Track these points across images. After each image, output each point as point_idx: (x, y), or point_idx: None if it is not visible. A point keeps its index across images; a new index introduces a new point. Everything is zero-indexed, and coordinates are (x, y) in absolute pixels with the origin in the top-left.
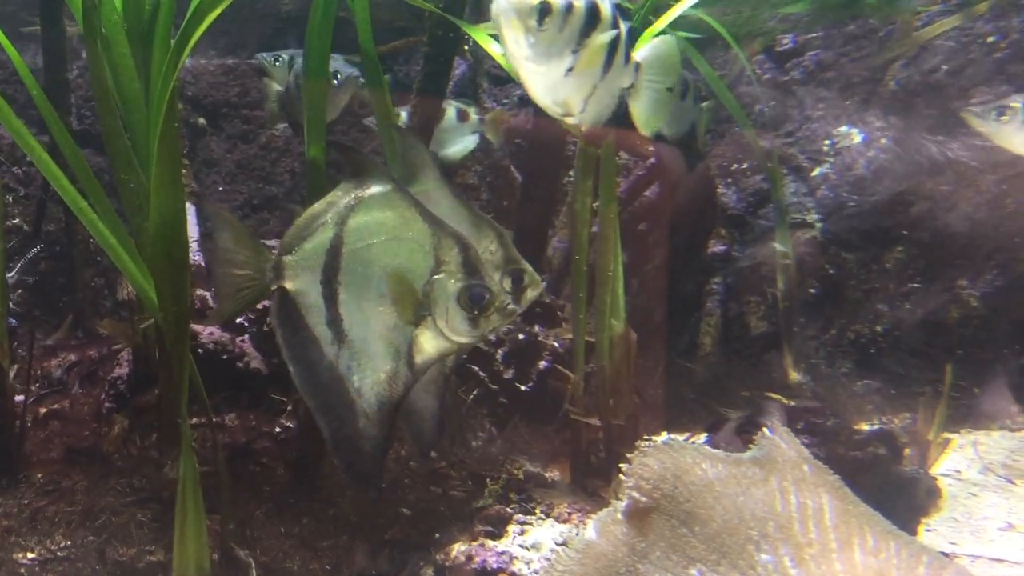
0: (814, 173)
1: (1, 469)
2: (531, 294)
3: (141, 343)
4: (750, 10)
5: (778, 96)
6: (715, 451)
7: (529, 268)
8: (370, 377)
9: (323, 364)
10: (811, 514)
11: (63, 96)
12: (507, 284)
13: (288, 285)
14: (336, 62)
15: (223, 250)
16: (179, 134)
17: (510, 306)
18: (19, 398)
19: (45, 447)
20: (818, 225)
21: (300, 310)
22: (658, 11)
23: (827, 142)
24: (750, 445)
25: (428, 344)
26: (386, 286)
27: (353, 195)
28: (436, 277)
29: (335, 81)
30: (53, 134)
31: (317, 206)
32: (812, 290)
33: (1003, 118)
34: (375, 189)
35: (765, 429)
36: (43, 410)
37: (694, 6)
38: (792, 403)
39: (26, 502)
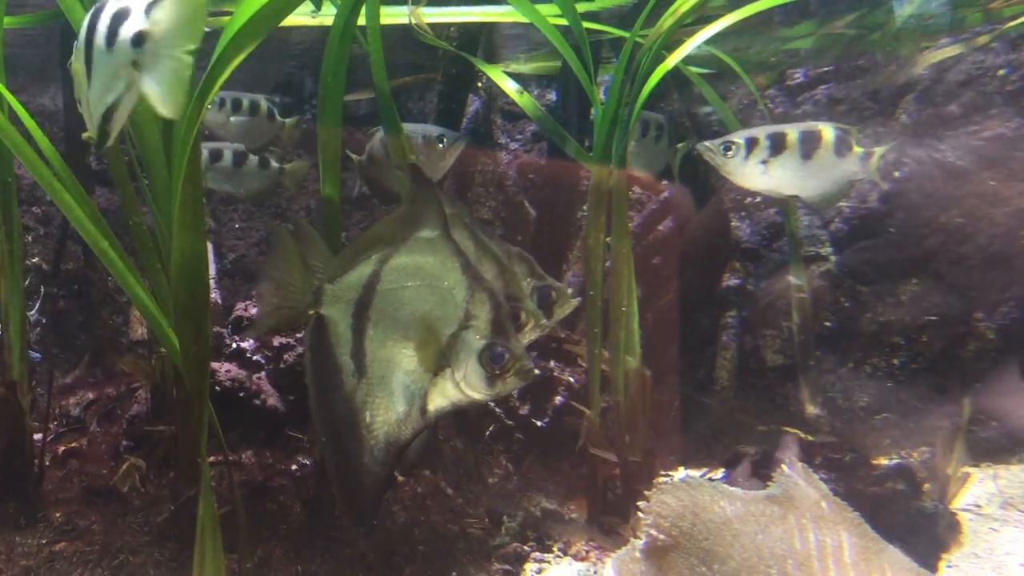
0: None
1: (20, 508)
2: (530, 333)
3: (159, 381)
4: (759, 45)
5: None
6: (733, 489)
7: (530, 306)
8: (382, 415)
9: (341, 394)
10: (830, 552)
11: (81, 135)
12: (534, 301)
13: (324, 312)
14: (435, 127)
15: (272, 268)
16: (201, 176)
17: (530, 370)
18: (37, 436)
19: (63, 486)
20: (832, 258)
21: (331, 338)
22: (669, 47)
23: None
24: (768, 482)
25: (444, 394)
26: (412, 330)
27: (401, 233)
28: (463, 331)
29: (441, 144)
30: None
31: (365, 237)
32: (828, 323)
33: (728, 153)
34: (424, 233)
35: (783, 466)
36: (61, 448)
37: (705, 42)
38: (810, 438)
39: (44, 541)
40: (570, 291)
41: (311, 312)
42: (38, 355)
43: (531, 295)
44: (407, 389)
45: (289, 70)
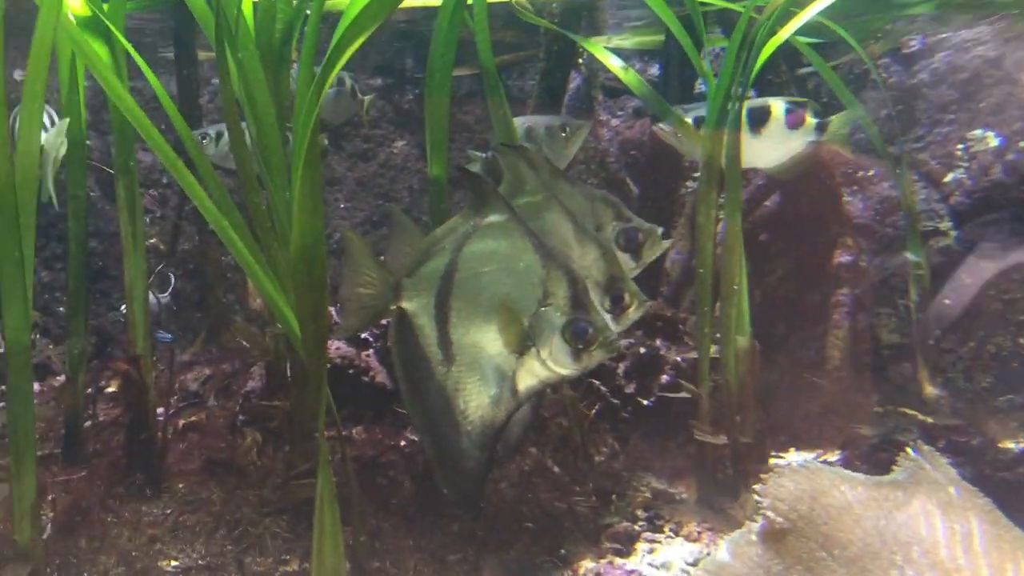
0: (947, 179)
1: (146, 479)
2: (633, 314)
3: (273, 356)
4: (873, 12)
5: (906, 100)
6: (854, 474)
7: (632, 287)
8: (475, 400)
9: (431, 384)
10: (959, 539)
11: (196, 120)
12: (606, 303)
13: (405, 305)
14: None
15: (350, 269)
16: (320, 158)
17: (614, 341)
18: (160, 410)
19: (185, 458)
20: (952, 233)
21: (415, 330)
22: (780, 19)
23: (960, 146)
24: (893, 467)
25: (532, 373)
26: (494, 314)
27: (471, 223)
28: (543, 309)
29: (564, 133)
30: (192, 157)
31: (439, 231)
32: (947, 301)
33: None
34: (493, 218)
35: (908, 449)
36: (182, 422)
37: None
38: (930, 420)
39: (169, 511)
40: (660, 231)
41: (392, 308)
42: (169, 336)
43: (617, 238)
44: (496, 372)
45: (390, 49)
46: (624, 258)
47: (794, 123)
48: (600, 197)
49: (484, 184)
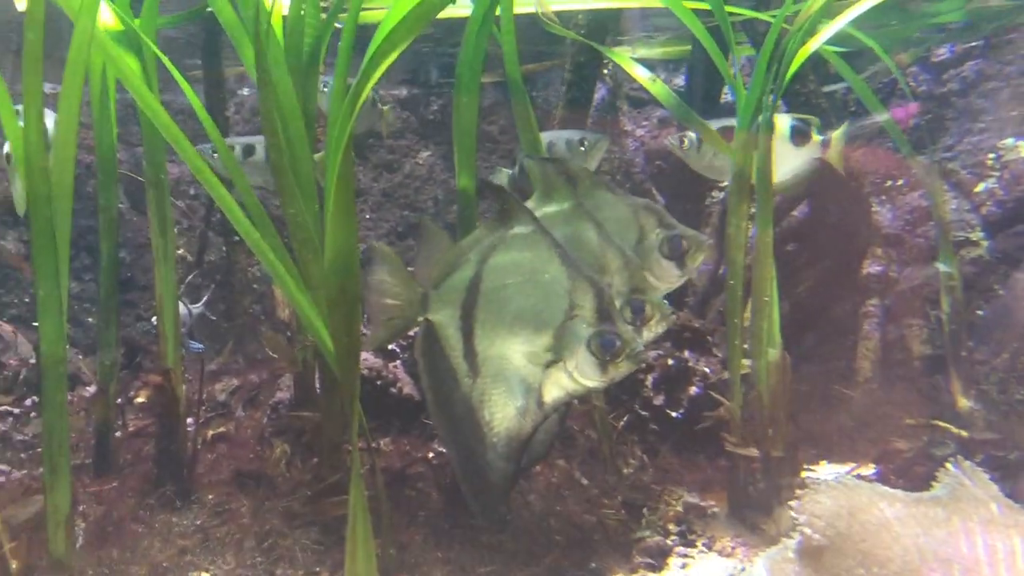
0: (978, 188)
1: (176, 490)
2: (655, 326)
3: (302, 368)
4: (902, 21)
5: (935, 109)
6: (892, 490)
7: (655, 299)
8: (500, 412)
9: (457, 396)
10: (1001, 558)
11: (223, 133)
12: (627, 313)
13: (432, 317)
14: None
15: (378, 281)
16: (354, 172)
17: (640, 354)
18: (189, 421)
19: (214, 469)
20: (984, 243)
21: (441, 342)
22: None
23: (991, 155)
24: (932, 482)
25: (558, 385)
26: (519, 326)
27: (496, 234)
28: (569, 321)
29: (582, 147)
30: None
31: (464, 242)
32: (980, 312)
33: (682, 145)
34: (518, 230)
35: (949, 465)
36: (210, 433)
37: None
38: (965, 434)
39: (199, 522)
40: (705, 238)
41: (419, 320)
42: (200, 346)
43: (661, 245)
44: (522, 384)
45: (415, 60)
46: (669, 266)
47: (800, 140)
48: (643, 205)
49: (508, 196)
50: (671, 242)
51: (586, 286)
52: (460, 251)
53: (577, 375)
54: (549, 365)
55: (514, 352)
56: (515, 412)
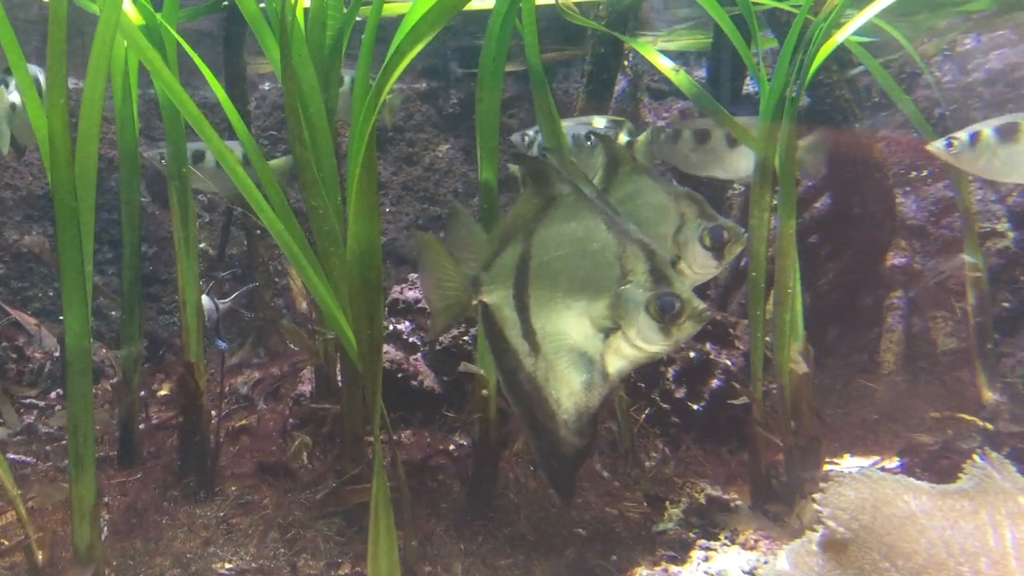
0: None
1: (199, 482)
2: (690, 327)
3: (323, 361)
4: (927, 10)
5: (960, 99)
6: (918, 482)
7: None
8: (566, 388)
9: (523, 375)
10: None
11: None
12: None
13: (486, 299)
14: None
15: (431, 269)
16: (376, 165)
17: (704, 311)
18: (212, 414)
19: (237, 461)
20: (1011, 234)
21: (500, 323)
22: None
23: None
24: (959, 475)
25: (620, 354)
26: (573, 298)
27: (538, 206)
28: (623, 288)
29: (589, 143)
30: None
31: (507, 219)
32: (1006, 304)
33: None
34: (558, 198)
35: (976, 457)
36: (233, 426)
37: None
38: (991, 427)
39: (222, 514)
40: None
41: (474, 303)
42: (226, 345)
43: (702, 236)
44: (584, 356)
45: (435, 53)
46: (707, 257)
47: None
48: (684, 194)
49: (541, 163)
50: (712, 232)
51: (636, 249)
52: (505, 228)
53: (640, 342)
54: (609, 335)
55: (572, 326)
56: (581, 387)
